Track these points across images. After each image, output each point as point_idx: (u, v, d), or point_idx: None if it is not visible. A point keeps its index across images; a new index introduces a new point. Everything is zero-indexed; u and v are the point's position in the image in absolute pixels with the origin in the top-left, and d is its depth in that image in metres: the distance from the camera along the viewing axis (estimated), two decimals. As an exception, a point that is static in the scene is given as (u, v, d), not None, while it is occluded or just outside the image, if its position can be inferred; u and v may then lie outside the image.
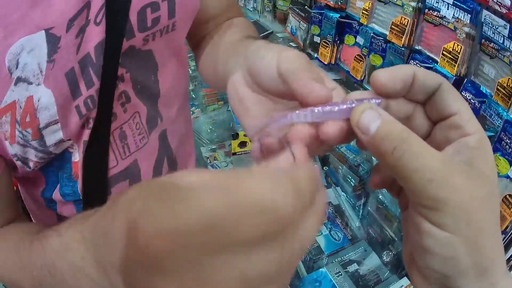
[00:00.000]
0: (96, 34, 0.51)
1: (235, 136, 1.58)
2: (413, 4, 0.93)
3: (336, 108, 0.29)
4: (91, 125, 0.56)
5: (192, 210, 0.22)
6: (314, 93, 0.31)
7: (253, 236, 0.22)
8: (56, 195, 0.62)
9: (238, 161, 1.59)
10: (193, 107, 1.82)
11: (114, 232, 0.27)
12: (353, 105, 0.28)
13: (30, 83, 0.48)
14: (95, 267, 0.35)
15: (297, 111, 0.30)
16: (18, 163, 0.55)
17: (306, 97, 0.31)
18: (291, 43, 1.72)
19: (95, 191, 0.63)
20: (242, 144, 1.58)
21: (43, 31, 0.47)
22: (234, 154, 1.57)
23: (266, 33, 1.88)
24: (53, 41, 0.48)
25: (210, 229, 0.22)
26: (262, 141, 0.32)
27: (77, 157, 0.59)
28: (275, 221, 0.23)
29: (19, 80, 0.47)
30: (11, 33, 0.45)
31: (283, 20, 1.79)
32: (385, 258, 1.07)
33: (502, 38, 0.73)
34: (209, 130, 1.64)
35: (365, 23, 1.15)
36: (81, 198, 0.62)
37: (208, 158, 1.50)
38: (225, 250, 0.22)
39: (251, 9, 2.12)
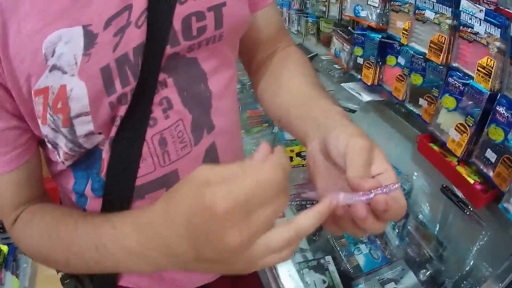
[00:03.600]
0: (136, 37, 0.56)
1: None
2: (449, 22, 1.02)
3: (364, 197, 0.45)
4: (117, 123, 0.60)
5: (241, 189, 0.40)
6: (359, 187, 0.45)
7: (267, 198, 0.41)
8: (88, 190, 0.67)
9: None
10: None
11: (179, 203, 0.45)
12: (372, 195, 0.45)
13: (65, 73, 0.53)
14: (152, 250, 0.49)
15: (342, 195, 0.46)
16: (49, 146, 0.61)
17: (354, 187, 0.45)
18: (335, 65, 1.83)
19: (118, 189, 0.65)
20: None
21: (81, 27, 0.53)
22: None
23: (310, 55, 2.01)
24: (90, 37, 0.53)
25: (249, 198, 0.40)
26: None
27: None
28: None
29: (54, 67, 0.53)
30: (50, 24, 0.51)
31: (327, 43, 1.91)
32: (421, 277, 1.13)
33: (529, 51, 0.81)
34: (253, 151, 1.74)
35: (405, 43, 1.24)
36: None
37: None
38: (259, 207, 0.41)
39: (295, 32, 2.26)
